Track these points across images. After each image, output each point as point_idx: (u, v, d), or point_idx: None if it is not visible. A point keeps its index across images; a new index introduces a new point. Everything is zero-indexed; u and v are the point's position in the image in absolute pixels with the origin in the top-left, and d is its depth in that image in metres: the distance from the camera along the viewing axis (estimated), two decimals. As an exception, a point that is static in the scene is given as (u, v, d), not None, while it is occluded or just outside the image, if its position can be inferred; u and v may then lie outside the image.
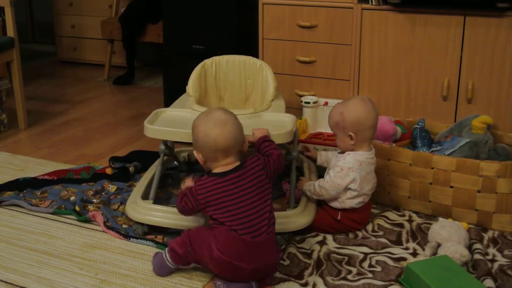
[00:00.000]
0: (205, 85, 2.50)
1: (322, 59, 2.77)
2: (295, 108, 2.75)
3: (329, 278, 1.89)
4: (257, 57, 2.64)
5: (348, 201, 2.12)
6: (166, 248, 1.90)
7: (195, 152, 1.88)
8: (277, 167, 1.90)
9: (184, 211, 1.89)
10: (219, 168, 1.82)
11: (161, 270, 1.90)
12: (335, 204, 2.14)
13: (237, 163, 1.82)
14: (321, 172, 2.34)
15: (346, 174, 2.09)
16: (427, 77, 2.59)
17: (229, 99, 2.56)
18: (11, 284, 1.88)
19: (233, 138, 1.81)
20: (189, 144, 2.61)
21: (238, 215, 1.74)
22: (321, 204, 2.20)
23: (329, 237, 2.13)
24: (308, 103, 2.70)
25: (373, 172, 2.17)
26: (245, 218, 1.74)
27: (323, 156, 2.36)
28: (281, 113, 2.28)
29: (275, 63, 2.82)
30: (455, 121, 2.56)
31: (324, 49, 2.75)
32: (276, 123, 2.16)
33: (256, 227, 1.75)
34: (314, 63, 2.79)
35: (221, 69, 2.53)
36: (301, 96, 2.78)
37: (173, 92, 2.57)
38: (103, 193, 2.48)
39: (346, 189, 2.10)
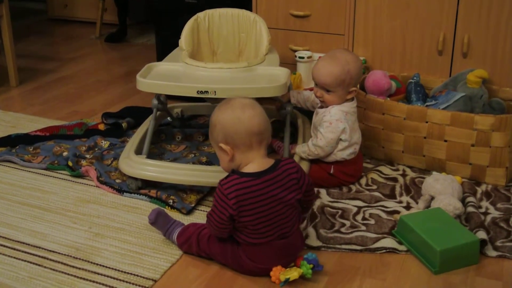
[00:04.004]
0: (198, 39, 2.46)
1: (316, 13, 2.73)
2: (289, 64, 2.71)
3: (322, 231, 1.89)
4: (251, 10, 2.60)
5: (340, 153, 2.12)
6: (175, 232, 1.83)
7: (220, 147, 1.65)
8: (309, 194, 1.74)
9: (219, 228, 1.64)
10: (251, 166, 1.64)
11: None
12: (327, 158, 2.14)
13: (271, 162, 1.66)
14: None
15: (336, 126, 2.08)
16: (422, 31, 2.56)
17: (222, 53, 2.53)
18: (5, 238, 1.88)
19: (266, 121, 1.65)
20: (182, 99, 2.62)
21: (268, 221, 1.62)
22: (314, 159, 2.19)
23: (323, 191, 2.13)
24: (302, 58, 2.67)
25: (357, 122, 2.17)
26: (275, 224, 1.63)
27: (295, 95, 2.34)
28: (275, 66, 2.25)
29: (269, 18, 2.78)
30: (450, 75, 2.54)
31: (318, 3, 2.71)
32: (270, 76, 2.14)
33: (284, 230, 1.66)
34: (308, 17, 2.75)
35: (214, 22, 2.50)
36: (295, 51, 2.75)
37: (166, 48, 2.53)
38: (96, 149, 2.47)
39: (338, 141, 2.09)
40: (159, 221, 1.85)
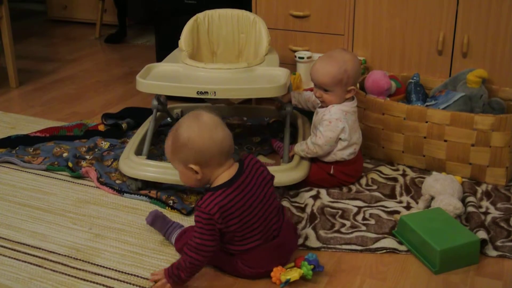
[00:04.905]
0: (197, 39, 2.46)
1: (316, 13, 2.73)
2: (288, 64, 2.71)
3: (322, 232, 1.89)
4: (250, 11, 2.59)
5: (339, 153, 2.12)
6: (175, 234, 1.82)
7: (190, 168, 1.60)
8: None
9: (210, 251, 1.58)
10: (220, 177, 1.62)
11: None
12: (327, 158, 2.14)
13: (236, 165, 1.64)
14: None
15: (335, 125, 2.08)
16: (422, 31, 2.56)
17: (222, 54, 2.53)
18: (5, 239, 1.88)
19: (232, 136, 1.65)
20: (182, 100, 2.62)
21: (254, 224, 1.62)
22: (314, 159, 2.19)
23: (323, 192, 2.13)
24: (302, 58, 2.67)
25: (357, 121, 2.16)
26: (261, 224, 1.63)
27: (296, 96, 2.34)
28: (275, 67, 2.25)
29: (269, 18, 2.78)
30: (450, 75, 2.54)
31: (318, 3, 2.71)
32: (270, 77, 2.14)
33: (273, 228, 1.66)
34: (308, 18, 2.75)
35: (213, 23, 2.50)
36: (294, 51, 2.75)
37: (165, 49, 2.53)
38: (96, 150, 2.47)
39: (337, 140, 2.09)
40: (157, 223, 1.86)
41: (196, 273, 1.62)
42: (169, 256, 1.79)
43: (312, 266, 1.65)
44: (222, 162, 1.62)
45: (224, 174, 1.62)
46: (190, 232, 1.75)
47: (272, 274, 1.65)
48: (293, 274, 1.61)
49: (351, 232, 1.89)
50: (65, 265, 1.75)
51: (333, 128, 2.08)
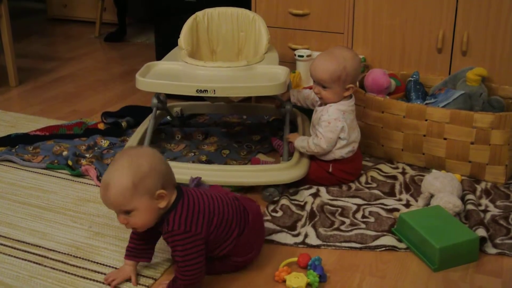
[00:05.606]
0: (197, 38, 2.46)
1: (315, 11, 2.73)
2: (288, 62, 2.71)
3: (321, 230, 1.89)
4: (249, 9, 2.60)
5: (338, 151, 2.12)
6: None
7: (159, 195, 1.52)
8: None
9: (200, 269, 1.56)
10: (173, 195, 1.58)
11: None
12: (326, 157, 2.14)
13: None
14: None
15: (334, 125, 2.08)
16: (421, 30, 2.56)
17: (222, 52, 2.53)
18: (5, 237, 1.88)
19: None
20: (182, 98, 2.62)
21: (226, 215, 1.62)
22: (313, 157, 2.19)
23: (322, 189, 2.13)
24: (302, 56, 2.67)
25: (356, 119, 2.17)
26: (233, 213, 1.64)
27: (295, 94, 2.35)
28: (274, 65, 2.25)
29: (268, 16, 2.78)
30: (449, 73, 2.54)
31: (318, 1, 2.71)
32: (270, 75, 2.14)
33: (240, 210, 1.67)
34: (307, 16, 2.75)
35: (213, 21, 2.50)
36: (294, 49, 2.75)
37: (165, 48, 2.53)
38: (96, 148, 2.47)
39: (337, 139, 2.10)
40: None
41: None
42: (169, 254, 1.78)
43: (318, 276, 1.65)
44: (174, 183, 1.60)
45: (173, 191, 1.59)
46: None
47: (276, 273, 1.66)
48: (300, 284, 1.62)
49: (351, 230, 1.90)
50: (65, 263, 1.75)
51: (333, 128, 2.08)
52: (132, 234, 1.68)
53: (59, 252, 1.80)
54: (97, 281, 1.67)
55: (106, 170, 1.53)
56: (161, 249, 1.81)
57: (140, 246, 1.68)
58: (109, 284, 1.65)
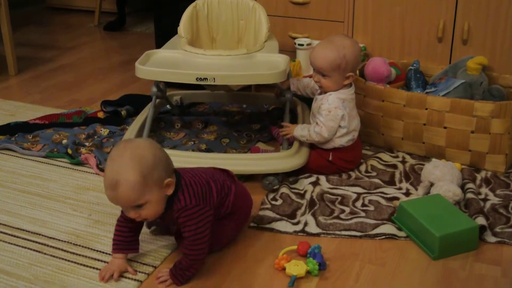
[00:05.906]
0: (196, 26, 2.45)
1: (316, 0, 2.72)
2: (288, 51, 2.70)
3: (321, 218, 1.89)
4: (250, -2, 2.58)
5: (338, 140, 2.12)
6: None
7: (167, 184, 1.54)
8: None
9: (207, 236, 1.60)
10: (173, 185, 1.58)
11: None
12: (326, 145, 2.14)
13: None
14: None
15: (335, 114, 2.08)
16: (422, 18, 2.55)
17: (222, 40, 2.52)
18: (5, 225, 1.88)
19: None
20: (181, 86, 2.61)
21: (218, 185, 1.68)
22: (313, 146, 2.19)
23: (322, 178, 2.13)
24: (302, 45, 2.66)
25: (355, 108, 2.16)
26: (220, 178, 1.72)
27: (294, 82, 2.34)
28: (274, 53, 2.24)
29: (268, 5, 2.77)
30: (450, 62, 2.53)
31: (318, -10, 2.70)
32: (269, 63, 2.13)
33: (225, 174, 1.78)
34: (307, 5, 2.74)
35: (213, 9, 2.49)
36: (294, 38, 2.74)
37: (165, 36, 2.52)
38: (95, 137, 2.47)
39: (338, 128, 2.10)
40: None
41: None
42: (169, 241, 1.79)
43: (318, 264, 1.65)
44: (173, 167, 1.62)
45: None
46: None
47: (276, 261, 1.67)
48: (299, 272, 1.62)
49: (351, 218, 1.90)
50: (65, 251, 1.75)
51: (333, 117, 2.08)
52: (119, 227, 1.68)
53: (59, 240, 1.81)
54: (97, 268, 1.67)
55: (107, 169, 1.51)
56: (160, 236, 1.81)
57: (128, 238, 1.68)
58: (106, 281, 1.62)
